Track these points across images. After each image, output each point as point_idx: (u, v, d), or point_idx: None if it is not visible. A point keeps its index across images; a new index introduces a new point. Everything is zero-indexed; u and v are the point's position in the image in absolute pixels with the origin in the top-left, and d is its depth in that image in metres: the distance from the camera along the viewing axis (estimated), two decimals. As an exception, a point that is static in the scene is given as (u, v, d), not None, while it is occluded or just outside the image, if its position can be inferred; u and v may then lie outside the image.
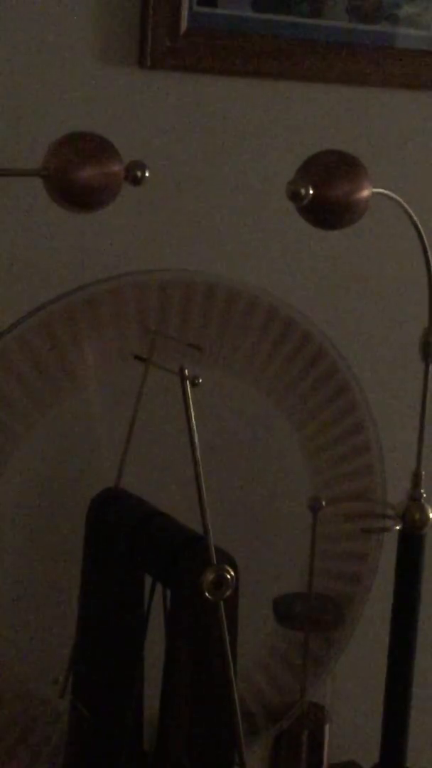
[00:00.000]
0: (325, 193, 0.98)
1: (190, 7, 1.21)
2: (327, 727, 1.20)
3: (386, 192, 1.04)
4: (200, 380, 0.99)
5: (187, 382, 0.99)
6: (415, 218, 1.08)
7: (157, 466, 1.24)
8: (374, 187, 1.01)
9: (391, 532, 1.17)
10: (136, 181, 0.93)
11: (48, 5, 1.16)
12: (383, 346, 1.41)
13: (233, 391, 1.20)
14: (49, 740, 1.15)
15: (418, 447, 1.16)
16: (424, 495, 1.17)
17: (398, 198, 1.06)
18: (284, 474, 1.29)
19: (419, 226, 1.09)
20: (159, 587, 1.09)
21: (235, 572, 1.02)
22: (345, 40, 1.30)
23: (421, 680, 1.24)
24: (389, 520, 1.17)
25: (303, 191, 0.96)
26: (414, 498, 1.17)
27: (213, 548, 1.01)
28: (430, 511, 1.17)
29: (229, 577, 1.01)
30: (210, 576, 1.01)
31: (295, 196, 0.97)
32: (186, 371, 0.99)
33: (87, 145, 0.92)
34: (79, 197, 0.91)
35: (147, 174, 0.93)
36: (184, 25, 1.20)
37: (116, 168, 0.92)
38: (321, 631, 1.19)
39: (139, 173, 0.93)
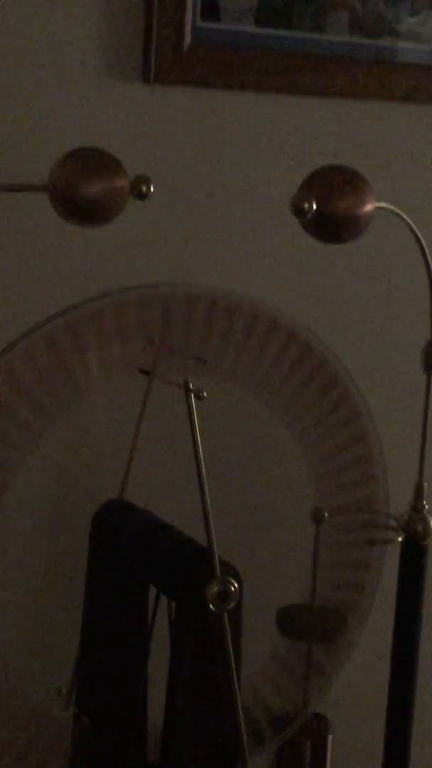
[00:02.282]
0: (329, 207, 0.98)
1: (194, 22, 1.21)
2: (330, 737, 1.20)
3: (389, 206, 1.05)
4: (204, 393, 1.00)
5: (192, 395, 0.99)
6: (418, 232, 1.09)
7: (161, 478, 1.24)
8: (376, 201, 1.02)
9: (393, 544, 1.18)
10: (142, 196, 0.93)
11: (52, 20, 1.16)
12: (385, 358, 1.42)
13: (237, 404, 1.20)
14: (54, 751, 1.15)
15: (421, 458, 1.16)
16: (427, 506, 1.17)
17: (401, 212, 1.06)
18: (287, 486, 1.29)
19: (421, 239, 1.09)
20: (163, 599, 1.10)
21: (239, 584, 1.02)
22: (347, 54, 1.31)
23: (424, 691, 1.24)
24: (392, 531, 1.17)
25: (307, 206, 0.97)
26: (416, 509, 1.17)
27: (217, 560, 1.01)
28: (432, 522, 1.17)
29: (233, 589, 1.02)
30: (214, 588, 1.01)
31: (299, 211, 0.97)
32: (190, 384, 0.99)
33: (92, 160, 0.92)
34: (84, 212, 0.92)
35: (152, 188, 0.93)
36: (187, 39, 1.21)
37: (121, 183, 0.92)
38: (324, 642, 1.20)
39: (144, 188, 0.93)
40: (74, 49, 1.18)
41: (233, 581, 1.02)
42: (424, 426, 1.16)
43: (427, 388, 1.15)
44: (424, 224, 1.11)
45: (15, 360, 1.03)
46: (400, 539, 1.17)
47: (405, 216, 1.07)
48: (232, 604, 1.02)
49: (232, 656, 1.03)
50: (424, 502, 1.17)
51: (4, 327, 1.11)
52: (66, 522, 1.23)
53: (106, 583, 1.11)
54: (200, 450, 1.00)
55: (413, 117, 1.37)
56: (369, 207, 1.01)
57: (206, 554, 1.02)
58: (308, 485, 1.21)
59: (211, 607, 1.01)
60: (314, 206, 0.97)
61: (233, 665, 1.03)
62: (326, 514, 1.12)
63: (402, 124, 1.37)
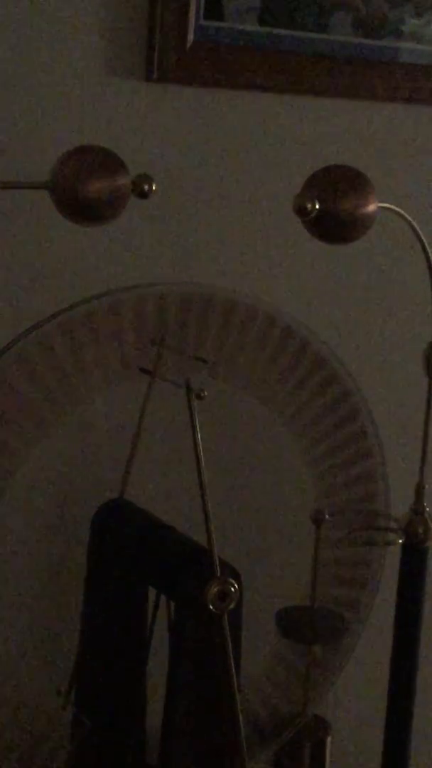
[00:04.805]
0: (332, 207, 0.98)
1: (197, 21, 1.21)
2: (329, 740, 1.20)
3: (392, 206, 1.04)
4: (205, 393, 1.00)
5: (193, 395, 0.99)
6: (420, 232, 1.08)
7: (161, 478, 1.24)
8: (379, 201, 1.02)
9: (394, 546, 1.17)
10: (143, 195, 0.93)
11: (55, 19, 1.16)
12: (387, 360, 1.41)
13: (238, 404, 1.20)
14: (52, 752, 1.15)
15: (422, 460, 1.16)
16: (428, 508, 1.17)
17: (403, 212, 1.06)
18: (288, 486, 1.29)
19: (424, 239, 1.09)
20: (163, 599, 1.09)
21: (239, 585, 1.02)
22: (350, 54, 1.31)
23: (424, 693, 1.24)
24: (392, 533, 1.17)
25: (309, 206, 0.97)
26: (417, 511, 1.17)
27: (217, 561, 1.01)
28: (433, 524, 1.17)
29: (233, 589, 1.01)
30: (214, 588, 1.01)
31: (301, 211, 0.97)
32: (191, 384, 0.99)
33: (94, 159, 0.92)
34: (86, 210, 0.92)
35: (154, 187, 0.93)
36: (190, 38, 1.21)
37: (123, 181, 0.92)
38: (324, 644, 1.19)
39: (146, 186, 0.93)
40: (77, 47, 1.18)
41: (233, 582, 1.01)
42: (426, 428, 1.16)
43: (429, 391, 1.15)
44: (426, 225, 1.11)
45: (15, 360, 1.03)
46: (400, 541, 1.17)
47: (408, 216, 1.07)
48: (232, 605, 1.02)
49: (232, 657, 1.02)
50: (425, 505, 1.17)
51: (5, 325, 1.11)
52: (66, 522, 1.23)
53: (106, 583, 1.11)
54: (201, 450, 0.99)
55: (416, 117, 1.37)
56: (372, 207, 1.01)
57: (206, 555, 1.01)
58: (309, 486, 1.21)
59: (211, 607, 1.01)
60: (317, 206, 0.97)
61: (233, 666, 1.02)
62: (326, 516, 1.12)
63: (405, 125, 1.37)
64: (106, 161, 0.92)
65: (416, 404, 1.18)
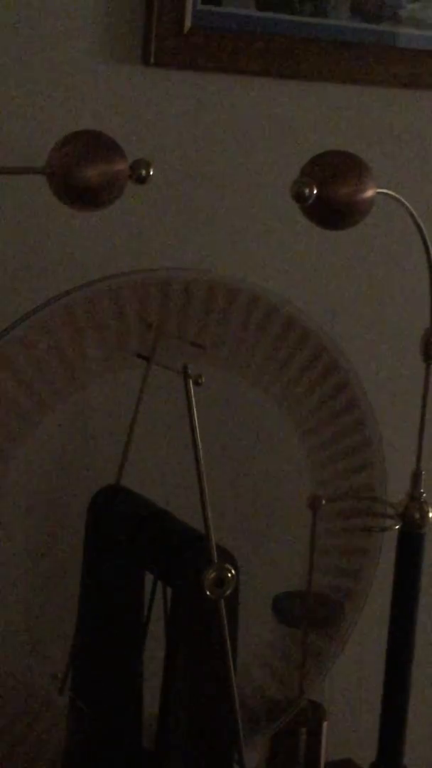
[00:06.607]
0: (330, 193, 0.98)
1: (195, 5, 1.21)
2: (325, 725, 1.20)
3: (390, 192, 1.04)
4: (203, 379, 0.99)
5: (190, 381, 0.99)
6: (418, 218, 1.08)
7: (158, 463, 1.24)
8: (377, 187, 1.01)
9: (390, 531, 1.17)
10: (141, 180, 0.93)
11: (52, 3, 1.16)
12: (385, 346, 1.41)
13: (235, 390, 1.20)
14: (49, 736, 1.15)
15: (418, 446, 1.16)
16: (424, 494, 1.17)
17: (401, 198, 1.06)
18: (285, 472, 1.29)
19: (422, 225, 1.09)
20: (160, 585, 1.09)
21: (235, 571, 1.02)
22: (348, 39, 1.30)
23: (419, 679, 1.24)
24: (389, 519, 1.17)
25: (307, 191, 0.96)
26: (413, 497, 1.17)
27: (214, 546, 1.01)
28: (429, 510, 1.17)
29: (230, 575, 1.01)
30: (211, 574, 1.01)
31: (299, 197, 0.97)
32: (189, 370, 0.99)
33: (91, 143, 0.92)
34: (83, 195, 0.91)
35: (152, 172, 0.93)
36: (188, 23, 1.20)
37: (121, 166, 0.92)
38: (320, 630, 1.19)
39: (143, 171, 0.93)
40: (75, 32, 1.17)
41: (230, 568, 1.02)
42: (423, 414, 1.16)
43: (426, 377, 1.15)
44: (424, 210, 1.10)
45: (12, 345, 1.02)
46: (397, 527, 1.17)
47: (406, 202, 1.07)
48: (228, 591, 1.02)
49: (229, 643, 1.02)
50: (422, 491, 1.17)
51: (2, 311, 1.11)
52: (63, 508, 1.23)
53: (103, 569, 1.11)
54: (198, 436, 0.99)
55: (414, 103, 1.37)
56: (370, 193, 1.00)
57: (203, 540, 1.01)
58: (306, 472, 1.21)
59: (208, 593, 1.01)
60: (315, 192, 0.97)
61: (229, 652, 1.03)
62: (323, 502, 1.12)
63: (403, 110, 1.37)
64: (104, 146, 0.92)
65: (414, 390, 1.18)
